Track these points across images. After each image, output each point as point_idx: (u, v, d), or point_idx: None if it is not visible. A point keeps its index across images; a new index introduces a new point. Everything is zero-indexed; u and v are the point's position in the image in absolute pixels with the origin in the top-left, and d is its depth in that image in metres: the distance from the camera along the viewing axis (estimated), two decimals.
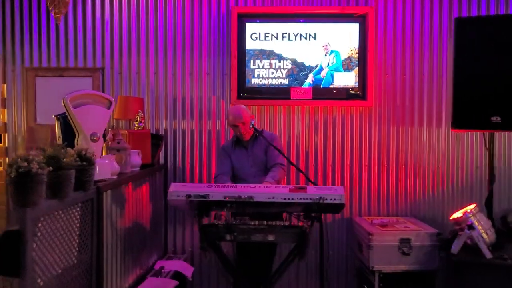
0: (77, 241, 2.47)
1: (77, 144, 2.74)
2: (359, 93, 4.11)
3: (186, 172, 4.27)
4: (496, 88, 3.12)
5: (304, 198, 2.80)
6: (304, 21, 4.10)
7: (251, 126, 3.46)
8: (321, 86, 4.13)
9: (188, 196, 2.82)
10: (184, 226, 4.29)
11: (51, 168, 2.08)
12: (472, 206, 3.26)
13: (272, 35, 4.11)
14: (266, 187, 2.93)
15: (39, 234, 2.08)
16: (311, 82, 4.13)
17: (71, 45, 4.27)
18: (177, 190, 2.84)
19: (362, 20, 4.10)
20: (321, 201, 2.75)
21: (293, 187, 2.87)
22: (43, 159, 2.07)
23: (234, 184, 2.95)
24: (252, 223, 2.98)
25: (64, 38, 4.27)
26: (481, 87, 3.16)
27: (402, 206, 4.21)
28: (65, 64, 4.28)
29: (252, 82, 4.15)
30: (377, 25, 4.13)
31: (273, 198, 2.82)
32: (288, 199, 2.81)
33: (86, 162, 2.42)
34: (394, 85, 4.18)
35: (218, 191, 2.86)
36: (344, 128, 4.21)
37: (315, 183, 3.27)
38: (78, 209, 2.47)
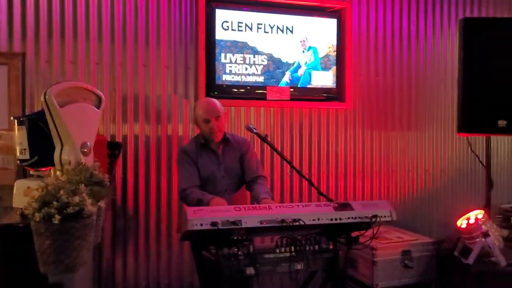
0: None
1: (60, 159, 1.88)
2: (336, 95, 3.79)
3: (139, 188, 3.43)
4: (503, 91, 3.07)
5: (353, 217, 2.35)
6: (281, 12, 3.62)
7: (254, 130, 2.86)
8: (299, 86, 3.70)
9: (214, 224, 2.14)
10: (137, 256, 3.45)
11: (103, 204, 1.29)
12: (479, 212, 3.17)
13: (246, 25, 3.54)
14: (305, 205, 2.38)
15: None
16: (288, 81, 3.67)
17: None
18: (200, 217, 2.13)
19: (339, 15, 3.78)
20: (376, 219, 2.33)
21: (336, 205, 2.39)
22: (86, 189, 1.27)
23: (266, 205, 2.35)
24: (278, 250, 2.42)
25: None
26: (488, 90, 3.09)
27: None
28: None
29: (223, 79, 3.52)
30: (356, 21, 3.86)
31: (318, 219, 2.30)
32: (335, 219, 2.32)
33: (99, 186, 1.62)
34: (374, 86, 3.96)
35: (251, 215, 2.23)
36: (322, 132, 3.84)
37: (330, 199, 2.81)
38: None
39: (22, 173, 3.10)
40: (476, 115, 3.12)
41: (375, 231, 2.37)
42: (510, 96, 3.07)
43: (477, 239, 3.05)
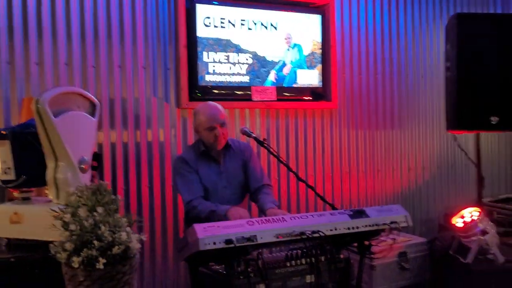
0: None
1: (55, 178, 1.61)
2: (322, 94, 3.66)
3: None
4: (495, 87, 3.06)
5: (370, 225, 2.21)
6: (265, 8, 3.43)
7: (253, 135, 2.67)
8: (285, 85, 3.53)
9: (229, 242, 1.93)
10: None
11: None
12: (473, 209, 3.14)
13: (229, 21, 3.32)
14: (320, 215, 2.21)
15: None
16: (274, 80, 3.49)
17: None
18: (212, 235, 1.91)
19: (323, 11, 3.65)
20: (396, 226, 2.21)
21: (351, 212, 2.24)
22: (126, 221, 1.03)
23: (279, 216, 2.16)
24: (289, 264, 2.25)
25: None
26: (480, 87, 3.06)
27: None
28: None
29: (207, 79, 3.29)
30: (339, 18, 3.74)
31: (336, 229, 2.14)
32: (353, 228, 2.17)
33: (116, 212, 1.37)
34: (358, 85, 3.86)
35: (266, 229, 2.03)
36: (309, 133, 3.69)
37: (332, 205, 2.68)
38: None
39: None
40: (468, 112, 3.08)
41: (394, 237, 2.24)
42: (502, 92, 3.06)
43: (474, 238, 3.02)
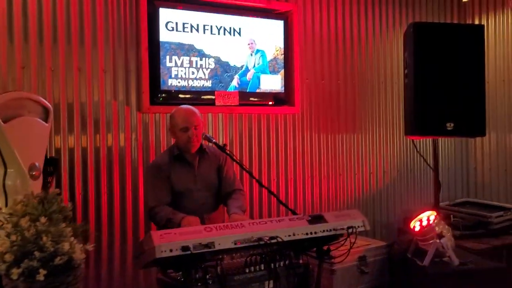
0: None
1: (4, 186, 1.56)
2: (285, 99, 3.69)
3: (76, 208, 3.05)
4: (450, 94, 3.16)
5: (328, 230, 2.23)
6: (228, 13, 3.44)
7: (213, 140, 2.66)
8: (248, 90, 3.55)
9: (186, 249, 1.91)
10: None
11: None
12: (431, 213, 3.23)
13: (192, 26, 3.31)
14: (279, 220, 2.22)
15: None
16: (237, 85, 3.50)
17: None
18: (168, 242, 1.89)
19: (286, 17, 3.69)
20: (353, 231, 2.24)
21: (309, 218, 2.26)
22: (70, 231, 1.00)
23: (238, 222, 2.16)
24: (247, 270, 2.25)
25: None
26: (437, 93, 3.15)
27: None
28: None
29: (169, 84, 3.26)
30: (302, 24, 3.78)
31: (294, 234, 2.16)
32: (311, 233, 2.19)
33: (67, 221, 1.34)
34: (320, 90, 3.92)
35: (224, 235, 2.03)
36: (272, 138, 3.71)
37: (292, 210, 2.70)
38: None
39: None
40: (425, 118, 3.18)
41: (352, 242, 2.27)
42: (457, 99, 3.17)
43: (431, 241, 3.10)
